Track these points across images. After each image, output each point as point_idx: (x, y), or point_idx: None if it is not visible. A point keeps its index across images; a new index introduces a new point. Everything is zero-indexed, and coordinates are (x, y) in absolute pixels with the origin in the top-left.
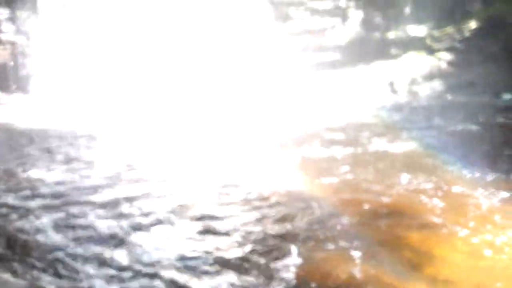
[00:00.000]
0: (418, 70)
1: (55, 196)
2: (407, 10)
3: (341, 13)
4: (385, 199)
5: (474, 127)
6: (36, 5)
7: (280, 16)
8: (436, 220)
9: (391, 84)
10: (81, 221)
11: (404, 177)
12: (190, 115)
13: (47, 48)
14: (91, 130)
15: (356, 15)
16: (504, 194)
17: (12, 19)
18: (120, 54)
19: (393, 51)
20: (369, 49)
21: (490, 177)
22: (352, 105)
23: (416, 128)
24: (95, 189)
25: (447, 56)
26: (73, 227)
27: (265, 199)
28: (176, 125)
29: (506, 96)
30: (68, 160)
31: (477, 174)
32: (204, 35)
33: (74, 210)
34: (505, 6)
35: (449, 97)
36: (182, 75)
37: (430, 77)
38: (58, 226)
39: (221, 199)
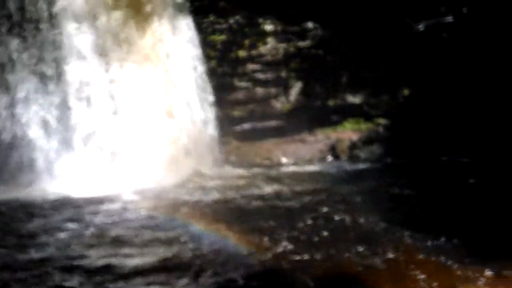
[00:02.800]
0: (358, 135)
1: None
2: (344, 79)
3: (283, 83)
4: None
5: (421, 191)
6: None
7: (223, 86)
8: None
9: (333, 149)
10: None
11: (365, 249)
12: None
13: None
14: None
15: (297, 85)
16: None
17: None
18: None
19: (334, 118)
20: (311, 116)
21: (451, 245)
22: (300, 171)
23: (366, 195)
24: None
25: (384, 121)
26: None
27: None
28: None
29: (444, 158)
30: None
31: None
32: None
33: None
34: None
35: (388, 159)
36: None
37: (369, 141)
38: None
39: None
